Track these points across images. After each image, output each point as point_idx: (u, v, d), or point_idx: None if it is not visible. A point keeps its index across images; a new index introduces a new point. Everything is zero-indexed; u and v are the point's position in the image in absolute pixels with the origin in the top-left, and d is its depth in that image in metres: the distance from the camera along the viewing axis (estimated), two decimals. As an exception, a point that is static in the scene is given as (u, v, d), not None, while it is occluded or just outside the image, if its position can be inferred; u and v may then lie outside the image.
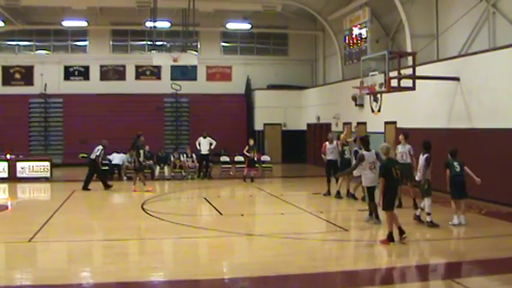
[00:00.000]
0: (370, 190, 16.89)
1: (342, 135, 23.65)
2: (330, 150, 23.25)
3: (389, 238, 14.35)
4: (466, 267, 12.37)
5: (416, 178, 17.45)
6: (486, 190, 20.52)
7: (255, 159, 29.05)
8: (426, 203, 16.93)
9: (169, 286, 11.10)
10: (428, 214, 16.78)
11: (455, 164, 17.29)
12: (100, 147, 26.55)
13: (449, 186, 17.16)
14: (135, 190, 24.74)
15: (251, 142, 28.97)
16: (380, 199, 14.50)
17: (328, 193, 22.95)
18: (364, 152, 17.04)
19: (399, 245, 14.24)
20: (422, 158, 17.26)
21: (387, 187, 14.47)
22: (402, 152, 19.96)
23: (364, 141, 17.56)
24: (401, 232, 14.48)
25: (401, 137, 20.40)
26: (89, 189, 25.38)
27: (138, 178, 25.53)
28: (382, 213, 15.65)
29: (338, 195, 22.05)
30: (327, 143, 23.53)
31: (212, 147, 30.15)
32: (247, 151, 28.75)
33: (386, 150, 15.37)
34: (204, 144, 30.17)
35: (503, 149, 20.16)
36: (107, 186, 25.91)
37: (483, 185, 20.13)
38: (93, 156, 26.46)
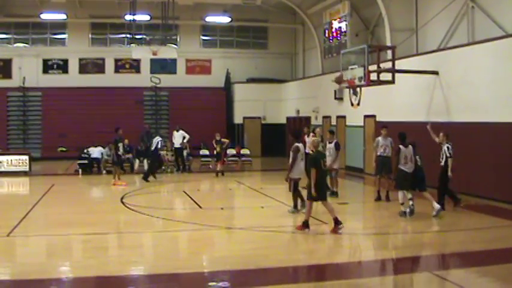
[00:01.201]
0: (297, 181, 17.30)
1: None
2: (308, 144, 23.42)
3: (304, 225, 14.96)
4: (445, 260, 12.46)
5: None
6: (464, 183, 20.72)
7: (230, 152, 29.20)
8: (399, 194, 17.38)
9: (149, 280, 11.08)
10: (402, 204, 17.24)
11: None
12: (158, 138, 26.98)
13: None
14: (114, 184, 24.64)
15: (217, 136, 28.71)
16: (313, 189, 14.77)
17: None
18: (299, 144, 17.36)
19: (371, 236, 14.30)
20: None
21: (317, 178, 14.79)
22: (384, 144, 20.08)
23: (295, 134, 18.05)
24: (337, 222, 14.88)
25: (383, 130, 20.51)
26: (149, 181, 25.54)
27: (119, 171, 25.46)
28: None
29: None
30: (305, 136, 23.66)
31: (185, 140, 30.04)
32: (215, 144, 28.68)
33: (316, 144, 15.60)
34: (177, 138, 30.13)
35: (482, 143, 20.30)
36: (147, 178, 26.00)
37: (462, 178, 20.36)
38: (153, 148, 26.79)
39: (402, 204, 17.15)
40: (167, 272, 11.43)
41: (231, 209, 18.87)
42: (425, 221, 16.63)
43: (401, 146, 17.50)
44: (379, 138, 20.35)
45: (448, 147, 17.61)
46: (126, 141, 27.60)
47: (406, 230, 15.69)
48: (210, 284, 10.97)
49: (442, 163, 17.72)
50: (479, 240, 14.18)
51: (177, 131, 30.44)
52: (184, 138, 30.00)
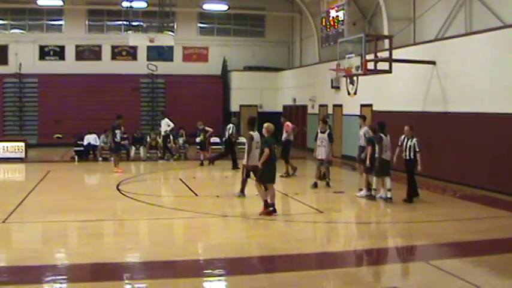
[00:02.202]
0: (250, 169, 17.60)
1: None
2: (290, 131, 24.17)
3: (266, 205, 15.62)
4: (440, 250, 12.48)
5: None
6: (460, 173, 20.78)
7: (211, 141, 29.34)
8: (374, 180, 18.07)
9: (145, 267, 11.09)
10: (374, 190, 18.12)
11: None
12: (231, 125, 27.10)
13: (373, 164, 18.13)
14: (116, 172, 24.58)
15: (199, 125, 28.49)
16: (260, 165, 15.65)
17: (288, 174, 23.65)
18: (253, 133, 17.63)
19: (367, 225, 14.32)
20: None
21: (267, 162, 15.55)
22: (360, 135, 20.17)
23: (250, 123, 18.25)
24: (266, 206, 15.58)
25: (360, 120, 20.90)
26: (238, 168, 25.03)
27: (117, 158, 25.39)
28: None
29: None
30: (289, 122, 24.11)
31: (169, 129, 29.98)
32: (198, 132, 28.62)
33: (271, 128, 16.20)
34: (162, 125, 30.14)
35: (478, 133, 20.31)
36: (236, 166, 25.80)
37: (457, 168, 20.42)
38: (226, 135, 27.00)
39: (375, 189, 18.07)
40: (162, 259, 11.43)
41: (226, 197, 18.88)
42: (421, 211, 16.70)
43: (382, 135, 18.01)
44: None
45: (416, 142, 17.56)
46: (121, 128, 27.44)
47: (402, 219, 15.69)
48: (205, 271, 10.98)
49: (408, 157, 17.60)
50: (475, 231, 14.21)
51: (162, 118, 30.44)
52: (169, 126, 29.95)
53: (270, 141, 15.90)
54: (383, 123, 18.48)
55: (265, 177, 15.77)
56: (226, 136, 27.02)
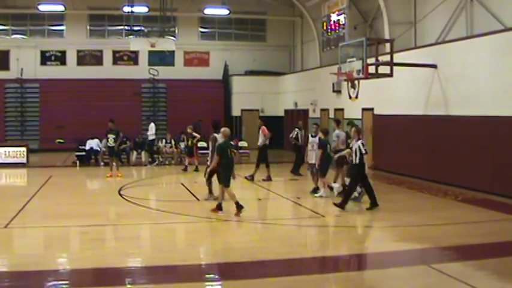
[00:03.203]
0: (213, 170, 17.69)
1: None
2: (260, 136, 24.25)
3: (218, 207, 16.36)
4: (441, 253, 12.46)
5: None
6: (462, 176, 20.76)
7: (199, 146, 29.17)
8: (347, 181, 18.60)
9: (147, 272, 11.09)
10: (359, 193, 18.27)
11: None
12: (297, 129, 26.12)
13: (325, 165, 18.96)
14: (117, 175, 24.65)
15: (188, 129, 28.16)
16: (207, 174, 16.97)
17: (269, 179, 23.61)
18: (217, 135, 17.96)
19: (369, 229, 14.32)
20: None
21: (223, 165, 16.14)
22: (333, 139, 20.22)
23: (214, 125, 19.05)
24: (239, 207, 16.00)
25: (334, 123, 21.01)
26: (301, 175, 24.67)
27: (113, 163, 25.39)
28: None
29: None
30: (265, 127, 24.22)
31: (152, 133, 30.30)
32: (185, 137, 28.51)
33: (227, 133, 16.77)
34: (149, 130, 30.32)
35: (479, 136, 20.29)
36: (297, 170, 25.32)
37: (459, 171, 20.42)
38: (300, 141, 25.69)
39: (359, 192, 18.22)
40: (164, 264, 11.44)
41: (228, 202, 18.86)
42: (422, 214, 16.65)
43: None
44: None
45: (362, 144, 17.26)
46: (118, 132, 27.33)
47: (403, 223, 15.67)
48: (207, 276, 10.99)
49: (356, 161, 17.22)
50: (477, 234, 14.20)
51: (149, 123, 30.43)
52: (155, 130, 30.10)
53: (223, 148, 16.34)
54: (359, 127, 19.24)
55: (224, 179, 16.34)
56: (300, 142, 25.61)
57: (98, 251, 12.54)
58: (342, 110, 31.38)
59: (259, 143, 24.03)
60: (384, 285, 10.61)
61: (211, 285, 10.54)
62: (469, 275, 10.67)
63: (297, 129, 26.02)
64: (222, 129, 16.96)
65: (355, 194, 18.05)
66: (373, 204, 17.18)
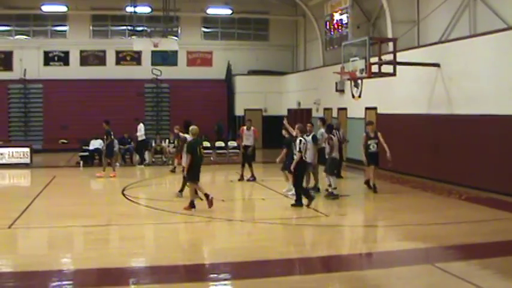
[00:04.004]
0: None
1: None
2: (246, 136, 23.94)
3: (191, 205, 16.75)
4: (446, 252, 12.45)
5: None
6: (466, 175, 20.74)
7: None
8: (330, 179, 19.06)
9: (151, 272, 11.09)
10: (331, 187, 19.05)
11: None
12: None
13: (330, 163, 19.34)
14: (114, 176, 24.77)
15: (176, 129, 27.74)
16: (185, 171, 17.07)
17: (242, 178, 23.70)
18: (187, 135, 18.06)
19: (373, 228, 14.31)
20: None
21: (192, 162, 16.71)
22: (318, 137, 20.28)
23: (185, 125, 18.87)
24: (192, 205, 16.75)
25: (319, 122, 21.19)
26: (341, 177, 23.94)
27: (108, 163, 25.49)
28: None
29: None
30: (245, 128, 24.09)
31: (140, 133, 30.31)
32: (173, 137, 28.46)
33: (196, 132, 17.21)
34: (139, 130, 30.35)
35: (483, 135, 20.28)
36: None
37: (462, 170, 20.39)
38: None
39: (335, 188, 18.98)
40: (168, 264, 11.45)
41: (232, 201, 18.88)
42: (426, 213, 16.65)
43: (332, 136, 19.29)
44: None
45: (300, 141, 17.43)
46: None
47: (407, 222, 15.66)
48: (211, 275, 10.99)
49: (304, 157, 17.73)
50: (481, 233, 14.18)
51: (138, 124, 30.35)
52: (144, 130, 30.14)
53: (193, 146, 16.96)
54: (331, 124, 20.41)
55: (191, 176, 16.96)
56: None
57: (102, 251, 12.54)
58: (345, 109, 31.39)
59: (250, 143, 23.77)
60: (388, 285, 10.60)
61: (215, 285, 10.52)
62: (473, 274, 10.65)
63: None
64: (191, 128, 17.37)
65: (334, 191, 18.86)
66: (309, 202, 17.58)
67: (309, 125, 21.20)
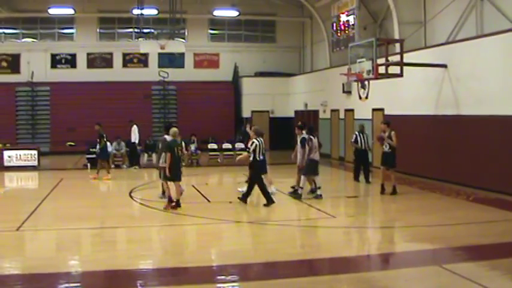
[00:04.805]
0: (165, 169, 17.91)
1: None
2: None
3: (177, 204, 17.30)
4: (454, 253, 12.41)
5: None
6: (473, 176, 20.69)
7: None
8: (302, 179, 19.30)
9: (158, 274, 11.10)
10: (301, 188, 19.30)
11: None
12: (356, 133, 24.18)
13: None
14: (103, 178, 25.02)
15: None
16: (167, 171, 17.17)
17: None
18: (167, 136, 18.56)
19: (381, 230, 14.28)
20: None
21: (171, 162, 17.10)
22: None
23: (165, 127, 19.77)
24: (170, 201, 17.35)
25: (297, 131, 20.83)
26: (369, 182, 22.99)
27: (103, 166, 25.57)
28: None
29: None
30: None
31: (135, 136, 30.28)
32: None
33: (174, 133, 17.69)
34: (132, 133, 30.27)
35: (491, 136, 20.23)
36: (358, 179, 23.67)
37: (470, 171, 20.34)
38: (360, 145, 23.50)
39: (302, 188, 19.27)
40: (176, 266, 11.45)
41: (239, 203, 18.85)
42: (434, 214, 16.61)
43: (312, 138, 19.36)
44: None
45: (252, 142, 18.26)
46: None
47: (415, 223, 15.63)
48: (219, 277, 10.98)
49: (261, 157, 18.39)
50: (489, 234, 14.14)
51: (131, 126, 30.27)
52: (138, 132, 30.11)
53: (171, 146, 17.38)
54: (311, 126, 20.83)
55: (172, 176, 17.27)
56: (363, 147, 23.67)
57: (109, 253, 12.56)
58: (352, 110, 31.35)
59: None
60: (396, 286, 10.57)
61: (223, 287, 10.52)
62: (481, 276, 10.62)
63: (356, 133, 24.13)
64: (171, 130, 17.87)
65: (299, 191, 19.22)
66: (268, 202, 18.06)
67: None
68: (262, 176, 18.61)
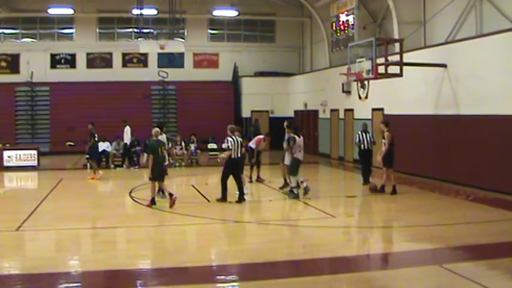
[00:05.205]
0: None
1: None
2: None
3: (152, 202, 17.73)
4: (453, 253, 12.41)
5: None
6: (473, 176, 20.70)
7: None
8: (291, 179, 19.48)
9: (158, 274, 11.09)
10: (295, 188, 19.37)
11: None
12: (359, 133, 24.13)
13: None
14: (92, 178, 25.14)
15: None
16: (150, 172, 17.83)
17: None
18: (154, 139, 18.69)
19: (380, 230, 14.28)
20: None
21: (155, 163, 17.66)
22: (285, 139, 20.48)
23: (158, 126, 19.82)
24: (153, 201, 17.74)
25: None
26: (369, 182, 21.91)
27: (92, 165, 25.63)
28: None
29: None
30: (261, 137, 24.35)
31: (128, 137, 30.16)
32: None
33: (156, 133, 18.34)
34: (125, 134, 30.08)
35: (491, 135, 20.23)
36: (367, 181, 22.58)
37: (470, 171, 20.34)
38: (364, 146, 22.64)
39: (295, 187, 19.30)
40: (175, 266, 11.44)
41: (239, 203, 18.84)
42: (434, 214, 16.61)
43: (296, 137, 19.41)
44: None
45: (227, 140, 18.73)
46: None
47: (414, 222, 15.63)
48: (219, 277, 10.98)
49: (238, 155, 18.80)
50: (488, 233, 14.14)
51: (124, 126, 30.17)
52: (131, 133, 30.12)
53: (153, 147, 17.91)
54: (297, 125, 21.26)
55: (155, 176, 17.79)
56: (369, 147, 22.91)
57: (109, 253, 12.57)
58: (352, 110, 31.35)
59: (255, 147, 23.56)
60: (396, 286, 10.56)
61: (223, 287, 10.53)
62: (481, 275, 10.62)
63: (358, 132, 23.16)
64: (153, 130, 18.37)
65: (295, 191, 19.24)
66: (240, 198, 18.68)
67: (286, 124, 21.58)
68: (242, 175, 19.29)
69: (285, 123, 21.30)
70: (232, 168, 18.69)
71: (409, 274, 11.09)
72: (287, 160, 19.98)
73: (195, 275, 11.04)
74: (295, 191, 19.28)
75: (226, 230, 15.48)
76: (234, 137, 18.58)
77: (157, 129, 18.41)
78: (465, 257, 12.17)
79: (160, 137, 19.10)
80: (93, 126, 25.89)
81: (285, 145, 20.00)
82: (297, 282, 10.43)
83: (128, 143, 29.85)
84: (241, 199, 18.53)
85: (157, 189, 18.20)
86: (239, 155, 18.68)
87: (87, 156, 28.55)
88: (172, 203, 17.40)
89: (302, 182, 19.43)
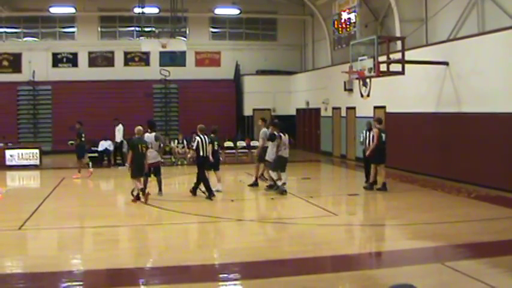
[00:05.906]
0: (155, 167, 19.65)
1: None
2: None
3: (137, 197, 18.26)
4: (455, 251, 12.42)
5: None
6: (475, 174, 20.69)
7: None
8: (272, 174, 20.01)
9: (160, 272, 11.10)
10: (275, 182, 19.90)
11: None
12: (364, 132, 23.71)
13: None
14: (76, 177, 25.15)
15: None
16: (129, 168, 18.49)
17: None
18: (147, 134, 19.49)
19: (382, 227, 14.29)
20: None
21: (134, 159, 18.21)
22: (262, 137, 21.13)
23: (149, 124, 20.49)
24: (137, 197, 18.27)
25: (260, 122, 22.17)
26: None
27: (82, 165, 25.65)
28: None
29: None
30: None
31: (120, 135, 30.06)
32: None
33: (138, 131, 18.71)
34: (117, 132, 30.03)
35: (492, 133, 20.22)
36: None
37: (472, 168, 20.33)
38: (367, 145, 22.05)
39: (278, 179, 19.74)
40: (178, 264, 11.46)
41: (241, 201, 18.87)
42: (436, 212, 16.62)
43: (281, 135, 19.88)
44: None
45: (195, 139, 19.76)
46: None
47: (416, 220, 15.63)
48: (221, 275, 10.99)
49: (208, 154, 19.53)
50: (491, 231, 14.14)
51: (117, 124, 30.05)
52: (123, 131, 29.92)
53: (134, 144, 18.45)
54: (282, 123, 21.26)
55: (135, 172, 18.30)
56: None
57: (111, 252, 12.58)
58: (354, 108, 31.34)
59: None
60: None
61: (225, 285, 10.53)
62: (483, 273, 10.62)
63: (363, 132, 22.39)
64: (136, 128, 18.73)
65: (284, 187, 19.61)
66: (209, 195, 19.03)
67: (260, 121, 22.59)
68: (215, 172, 20.23)
69: (263, 118, 22.62)
70: (204, 166, 19.38)
71: (411, 272, 11.08)
72: (270, 156, 20.12)
73: (197, 274, 11.05)
74: (278, 183, 19.72)
75: (229, 228, 15.48)
76: (201, 136, 19.25)
77: (140, 127, 18.77)
78: (467, 255, 12.17)
79: (148, 135, 19.47)
80: (81, 126, 25.87)
81: (261, 142, 21.06)
82: (300, 281, 10.43)
83: (119, 141, 29.76)
84: (209, 196, 19.06)
85: (140, 185, 18.43)
86: (206, 153, 19.28)
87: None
88: (134, 199, 18.28)
89: (284, 184, 19.72)
